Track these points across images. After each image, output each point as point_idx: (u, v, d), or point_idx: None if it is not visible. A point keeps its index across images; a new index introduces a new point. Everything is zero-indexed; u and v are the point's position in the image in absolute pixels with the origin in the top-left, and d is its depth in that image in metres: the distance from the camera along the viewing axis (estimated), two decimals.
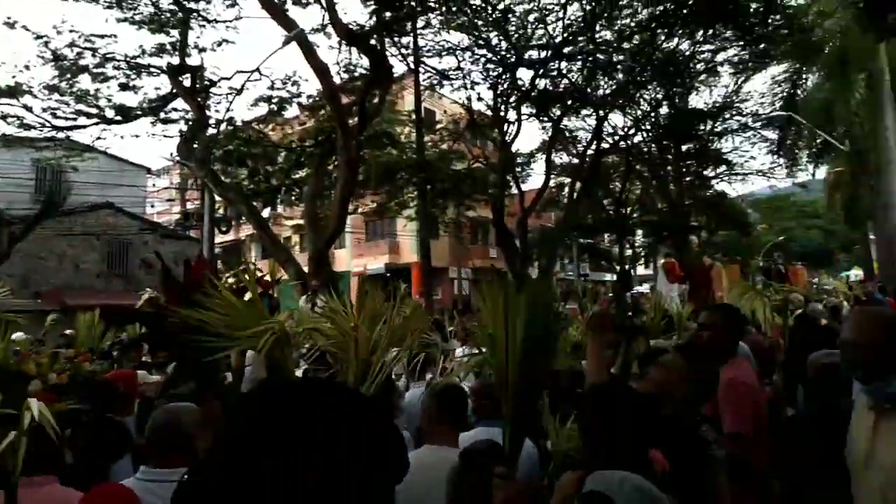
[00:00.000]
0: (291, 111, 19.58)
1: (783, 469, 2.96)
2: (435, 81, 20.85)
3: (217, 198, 17.43)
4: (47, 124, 15.96)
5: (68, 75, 15.68)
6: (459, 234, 27.50)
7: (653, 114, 23.67)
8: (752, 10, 16.08)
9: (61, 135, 16.62)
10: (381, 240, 32.72)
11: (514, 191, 23.08)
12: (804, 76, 23.60)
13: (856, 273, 29.98)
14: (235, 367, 5.12)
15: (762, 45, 18.57)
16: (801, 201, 45.81)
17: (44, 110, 15.72)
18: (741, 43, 18.50)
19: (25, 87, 15.35)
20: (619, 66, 18.98)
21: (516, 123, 20.47)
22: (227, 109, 16.41)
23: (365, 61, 16.00)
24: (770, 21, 16.88)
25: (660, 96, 22.52)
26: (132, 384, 4.47)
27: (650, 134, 25.47)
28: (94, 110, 16.31)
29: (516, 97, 19.87)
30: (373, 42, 14.63)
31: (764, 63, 21.28)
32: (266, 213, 22.36)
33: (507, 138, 20.07)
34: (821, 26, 18.67)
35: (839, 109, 21.54)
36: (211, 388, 2.25)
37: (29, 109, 15.54)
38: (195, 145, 16.02)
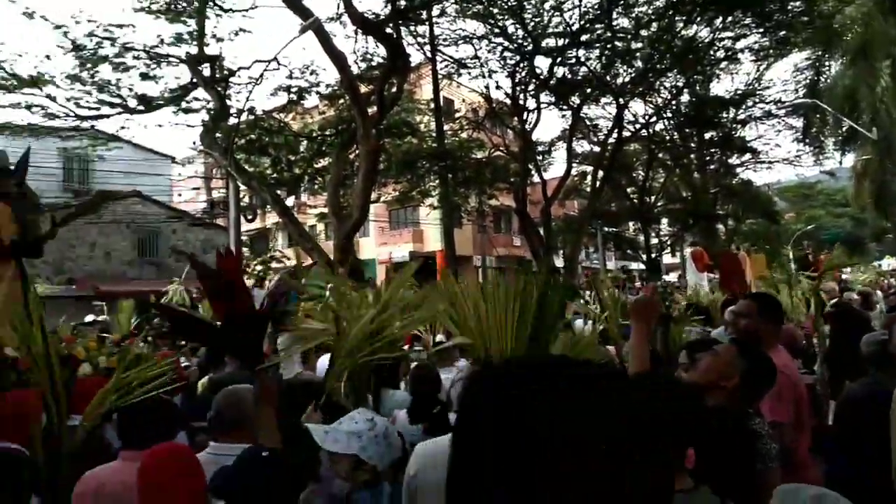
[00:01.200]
0: (311, 100, 19.61)
1: (843, 449, 2.88)
2: (452, 70, 20.77)
3: (242, 186, 17.55)
4: (71, 114, 16.01)
5: (89, 65, 15.72)
6: (482, 223, 27.42)
7: (673, 102, 23.38)
8: None
9: (86, 124, 16.74)
10: (405, 228, 32.75)
11: (536, 179, 22.95)
12: (827, 63, 23.18)
13: (888, 262, 29.36)
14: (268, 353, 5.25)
15: (782, 32, 18.20)
16: (829, 189, 44.97)
17: (67, 100, 15.79)
18: (761, 30, 18.14)
19: (47, 77, 15.41)
20: (637, 54, 18.76)
21: (536, 112, 20.36)
22: (248, 99, 16.50)
23: (382, 50, 15.95)
24: (790, 8, 16.54)
25: (680, 84, 22.21)
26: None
27: (671, 122, 25.18)
28: (116, 100, 16.38)
29: (535, 85, 19.72)
30: (388, 30, 14.57)
31: (785, 50, 20.90)
32: (290, 201, 22.49)
33: (526, 126, 19.92)
34: (842, 13, 18.29)
35: (864, 96, 21.14)
36: (258, 367, 2.39)
37: (52, 99, 15.57)
38: (217, 134, 16.10)
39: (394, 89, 15.61)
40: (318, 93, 18.61)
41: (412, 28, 17.87)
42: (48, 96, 15.55)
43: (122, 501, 2.33)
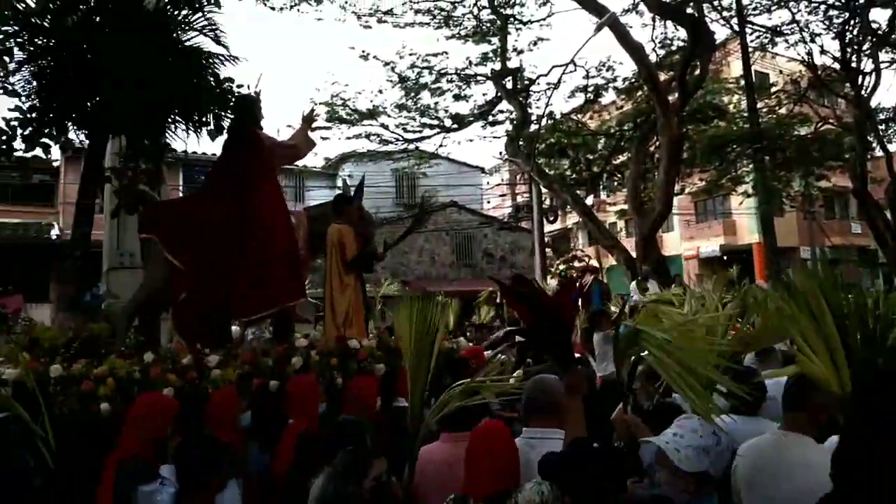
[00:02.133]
0: (608, 97, 19.55)
1: None
2: (765, 40, 18.68)
3: (543, 189, 18.25)
4: (400, 138, 18.83)
5: (412, 94, 18.17)
6: (810, 209, 24.11)
7: None
8: None
9: (411, 146, 19.33)
10: (714, 220, 30.51)
11: (879, 153, 19.39)
12: None
13: None
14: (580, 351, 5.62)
15: None
16: None
17: (396, 126, 18.66)
18: None
19: (381, 108, 18.26)
20: None
21: (873, 73, 17.24)
22: (547, 104, 17.21)
23: (682, 33, 15.13)
24: None
25: None
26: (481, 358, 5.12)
27: None
28: (435, 121, 18.67)
29: (871, 43, 16.68)
30: (689, 10, 13.74)
31: None
32: (590, 200, 22.65)
33: (863, 92, 16.98)
34: None
35: None
36: (570, 362, 2.62)
37: (385, 127, 18.60)
38: (520, 142, 17.06)
39: (697, 72, 14.78)
40: (614, 88, 18.51)
41: (716, 3, 16.60)
42: (382, 125, 18.49)
43: (441, 474, 2.77)
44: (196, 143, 5.35)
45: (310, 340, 4.22)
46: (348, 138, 19.08)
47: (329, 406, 3.76)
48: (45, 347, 3.71)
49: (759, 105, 19.10)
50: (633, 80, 17.63)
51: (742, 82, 18.91)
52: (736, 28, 17.79)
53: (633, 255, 14.40)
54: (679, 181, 18.33)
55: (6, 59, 4.81)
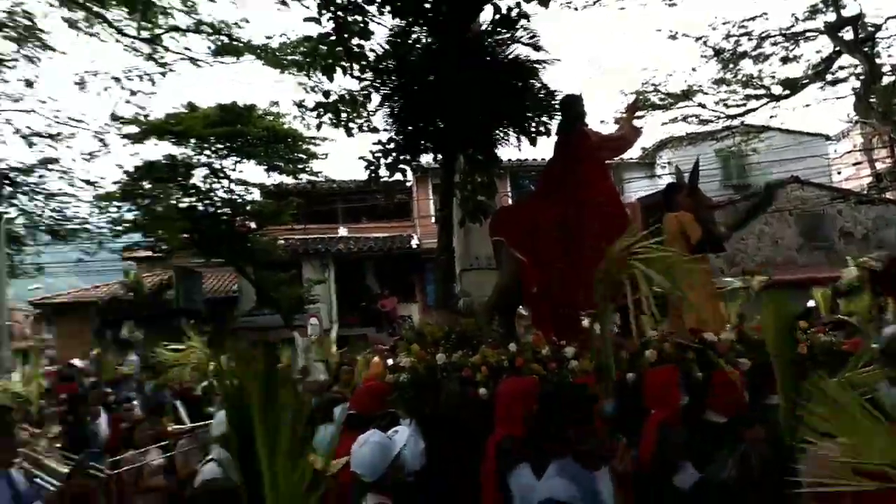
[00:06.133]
0: None
1: None
2: None
3: None
4: (721, 115, 17.67)
5: (731, 65, 16.89)
6: None
7: None
8: None
9: (735, 122, 17.99)
10: None
11: None
12: None
13: None
14: None
15: None
16: None
17: (716, 104, 17.48)
18: None
19: (696, 87, 17.33)
20: None
21: None
22: None
23: None
24: None
25: None
26: None
27: None
28: (761, 91, 17.11)
29: None
30: None
31: None
32: None
33: None
34: None
35: None
36: None
37: (703, 106, 17.58)
38: (871, 99, 14.68)
39: None
40: None
41: None
42: (699, 104, 17.59)
43: None
44: (521, 150, 5.85)
45: (660, 333, 4.23)
46: (663, 124, 18.41)
47: (691, 399, 3.69)
48: (428, 340, 4.42)
49: None
50: None
51: None
52: None
53: None
54: None
55: (366, 102, 5.93)
